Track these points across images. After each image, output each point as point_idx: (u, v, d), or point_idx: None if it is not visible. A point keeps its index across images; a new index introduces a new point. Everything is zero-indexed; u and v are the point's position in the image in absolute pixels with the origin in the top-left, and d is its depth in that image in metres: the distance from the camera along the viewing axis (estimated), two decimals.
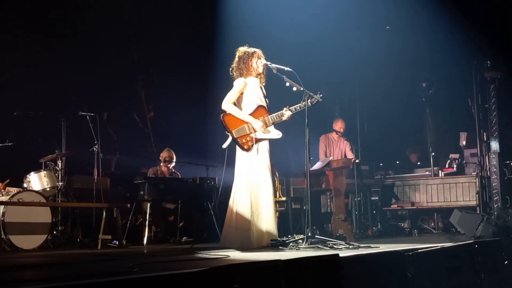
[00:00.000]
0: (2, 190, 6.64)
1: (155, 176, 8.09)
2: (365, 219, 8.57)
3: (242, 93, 5.73)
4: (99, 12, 8.78)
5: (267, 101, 5.82)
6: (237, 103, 5.73)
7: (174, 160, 8.37)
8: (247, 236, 5.40)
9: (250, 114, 5.65)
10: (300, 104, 5.67)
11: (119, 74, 9.06)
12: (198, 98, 9.56)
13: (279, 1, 9.23)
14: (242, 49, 5.78)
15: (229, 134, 5.60)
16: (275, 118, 5.70)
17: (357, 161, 8.32)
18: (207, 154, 9.39)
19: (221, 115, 5.64)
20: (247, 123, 5.61)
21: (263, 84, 5.84)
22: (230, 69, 5.83)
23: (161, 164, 8.37)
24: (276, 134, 5.72)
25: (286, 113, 5.70)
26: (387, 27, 10.47)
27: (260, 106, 5.70)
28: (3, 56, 7.86)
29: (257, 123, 5.61)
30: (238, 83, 5.71)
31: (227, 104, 5.65)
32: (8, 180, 6.83)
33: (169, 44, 9.44)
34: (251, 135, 5.59)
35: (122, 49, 9.12)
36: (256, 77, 5.77)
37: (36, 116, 7.37)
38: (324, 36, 9.58)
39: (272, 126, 5.71)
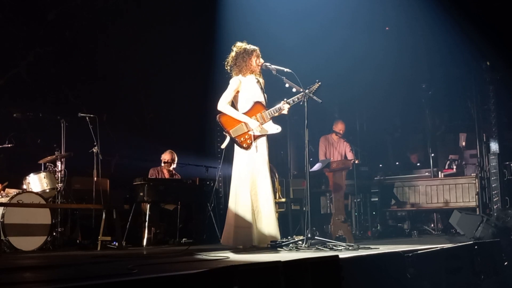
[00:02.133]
0: (2, 192, 6.63)
1: (155, 177, 8.08)
2: (365, 220, 8.56)
3: (238, 92, 5.71)
4: (98, 12, 8.78)
5: (265, 96, 5.78)
6: (234, 102, 5.71)
7: (176, 161, 8.36)
8: (248, 234, 5.39)
9: (247, 112, 5.62)
10: (298, 95, 5.61)
11: (118, 75, 9.05)
12: (197, 99, 9.55)
13: (280, 1, 9.23)
14: (241, 46, 5.72)
15: (227, 134, 5.59)
16: (273, 113, 5.65)
17: (356, 162, 8.31)
18: (206, 155, 9.38)
19: (218, 116, 5.63)
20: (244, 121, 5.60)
21: (260, 78, 5.78)
22: (225, 62, 5.79)
23: (162, 165, 8.35)
24: (275, 128, 5.68)
25: (285, 106, 5.65)
26: (386, 28, 10.47)
27: (256, 103, 5.66)
28: (3, 57, 7.85)
29: (253, 123, 5.57)
30: (233, 82, 5.69)
31: (223, 105, 5.64)
32: (6, 183, 6.82)
33: (168, 44, 9.44)
34: (250, 132, 5.56)
35: (121, 50, 9.11)
36: (252, 73, 5.74)
37: (35, 117, 7.36)
38: (323, 37, 9.58)
39: (271, 121, 5.66)
